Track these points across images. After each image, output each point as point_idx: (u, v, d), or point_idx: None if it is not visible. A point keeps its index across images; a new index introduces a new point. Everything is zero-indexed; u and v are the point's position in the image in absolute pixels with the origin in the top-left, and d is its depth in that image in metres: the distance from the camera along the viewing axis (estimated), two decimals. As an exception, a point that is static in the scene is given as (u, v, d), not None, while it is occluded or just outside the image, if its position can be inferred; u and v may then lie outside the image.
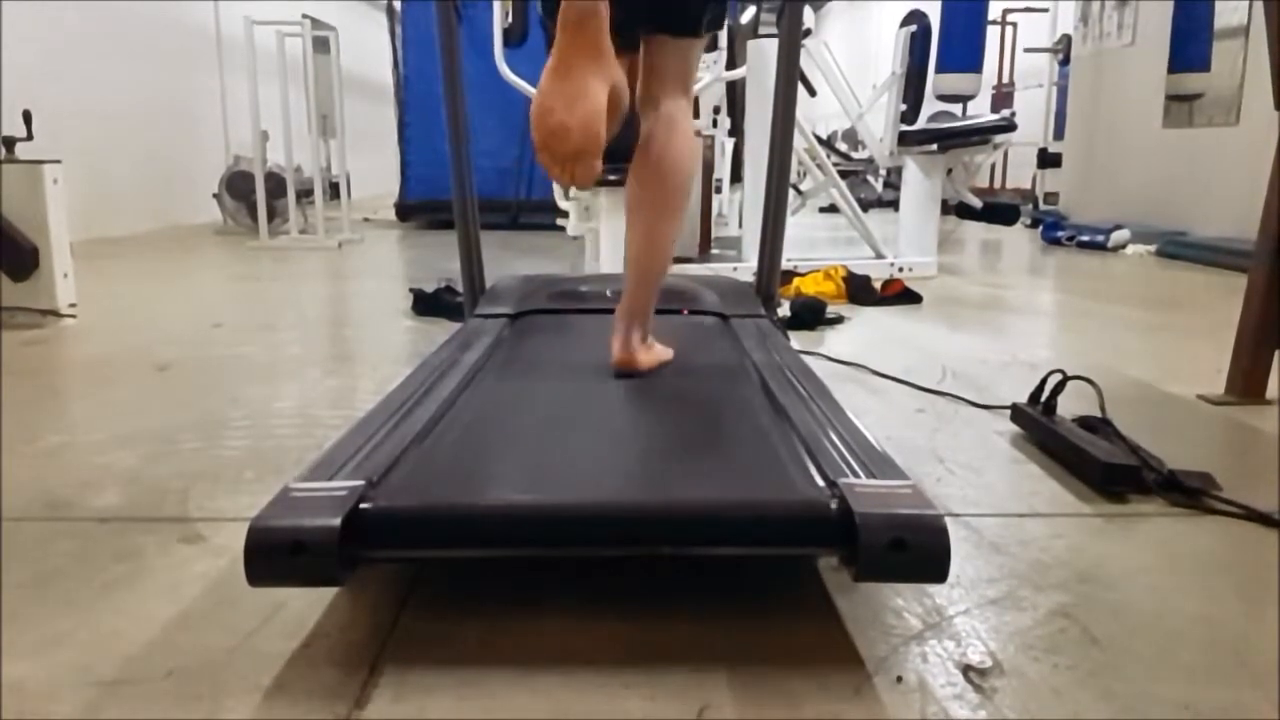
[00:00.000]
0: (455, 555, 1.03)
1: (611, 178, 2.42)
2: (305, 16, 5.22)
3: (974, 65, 6.74)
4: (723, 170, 5.11)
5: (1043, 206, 7.64)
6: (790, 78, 1.95)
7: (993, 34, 8.30)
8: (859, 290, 3.30)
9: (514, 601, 1.03)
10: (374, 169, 8.58)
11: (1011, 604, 1.04)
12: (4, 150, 2.73)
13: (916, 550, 0.86)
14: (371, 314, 3.28)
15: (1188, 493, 1.35)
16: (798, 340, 2.34)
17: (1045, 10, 8.45)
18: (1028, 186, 8.64)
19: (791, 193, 3.63)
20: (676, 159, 1.47)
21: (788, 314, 2.77)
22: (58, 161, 2.78)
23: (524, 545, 0.96)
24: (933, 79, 5.78)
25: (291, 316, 3.14)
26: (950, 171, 4.78)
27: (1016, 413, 1.72)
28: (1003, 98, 9.49)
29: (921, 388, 2.02)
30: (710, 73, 3.83)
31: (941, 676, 0.89)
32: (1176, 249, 4.90)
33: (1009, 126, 4.73)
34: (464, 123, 1.98)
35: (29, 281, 2.75)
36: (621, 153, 1.45)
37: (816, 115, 8.13)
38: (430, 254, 4.94)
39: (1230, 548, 1.22)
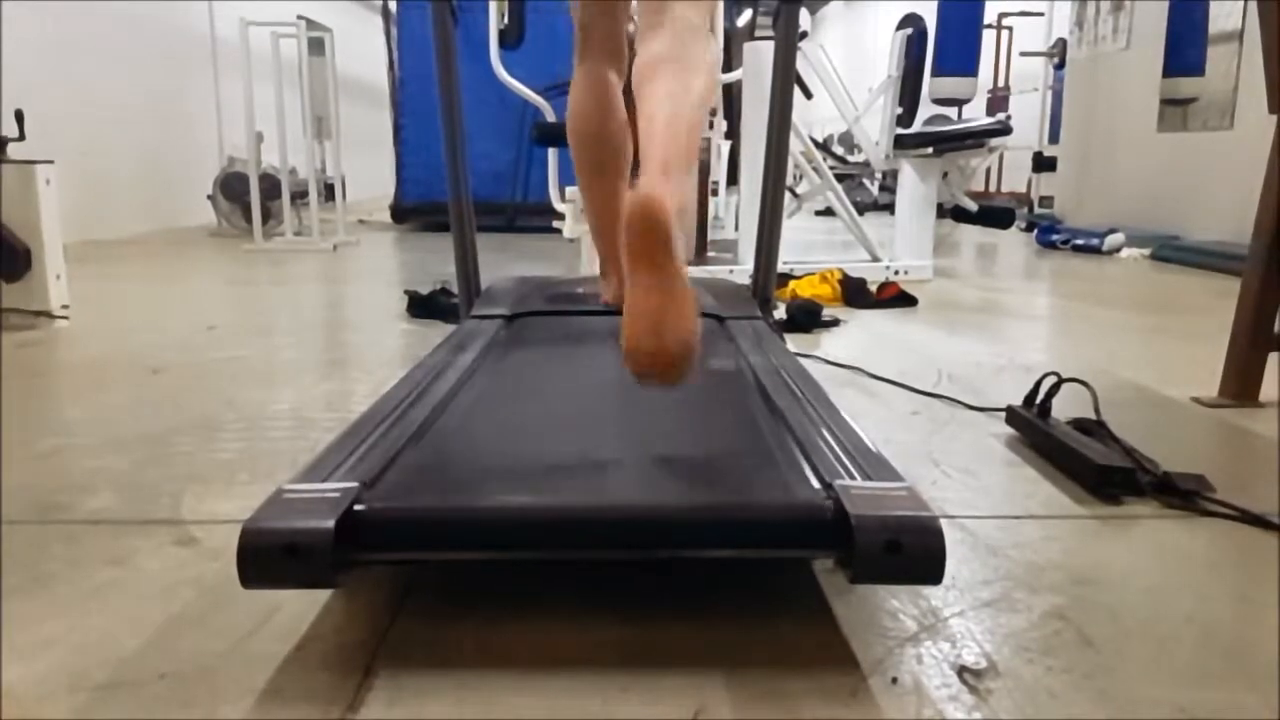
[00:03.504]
0: (450, 557, 1.03)
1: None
2: (300, 18, 5.21)
3: (970, 69, 6.76)
4: (719, 173, 5.11)
5: (1038, 210, 7.67)
6: (786, 80, 1.95)
7: (988, 38, 8.32)
8: (855, 293, 3.30)
9: (510, 604, 1.03)
10: (369, 171, 8.57)
11: (1006, 606, 1.04)
12: (-3, 151, 2.73)
13: (912, 552, 0.86)
14: (367, 316, 3.28)
15: (1182, 495, 1.35)
16: (793, 343, 2.34)
17: (1041, 14, 8.47)
18: (1023, 190, 8.66)
19: (787, 196, 3.63)
20: (699, 53, 1.29)
21: (784, 316, 2.78)
22: (50, 162, 2.77)
23: (519, 548, 0.95)
24: (929, 82, 5.79)
25: (286, 319, 3.14)
26: (946, 175, 4.80)
27: (1012, 415, 1.72)
28: (998, 101, 9.51)
29: (917, 390, 2.03)
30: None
31: (937, 678, 0.89)
32: (1171, 252, 4.92)
33: (1004, 130, 4.75)
34: (460, 125, 1.97)
35: (21, 282, 2.74)
36: None
37: (813, 118, 8.14)
38: (426, 256, 4.93)
39: (1224, 550, 1.22)
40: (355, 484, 0.94)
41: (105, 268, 4.32)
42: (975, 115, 7.55)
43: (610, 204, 1.69)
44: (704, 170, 4.13)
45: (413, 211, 6.52)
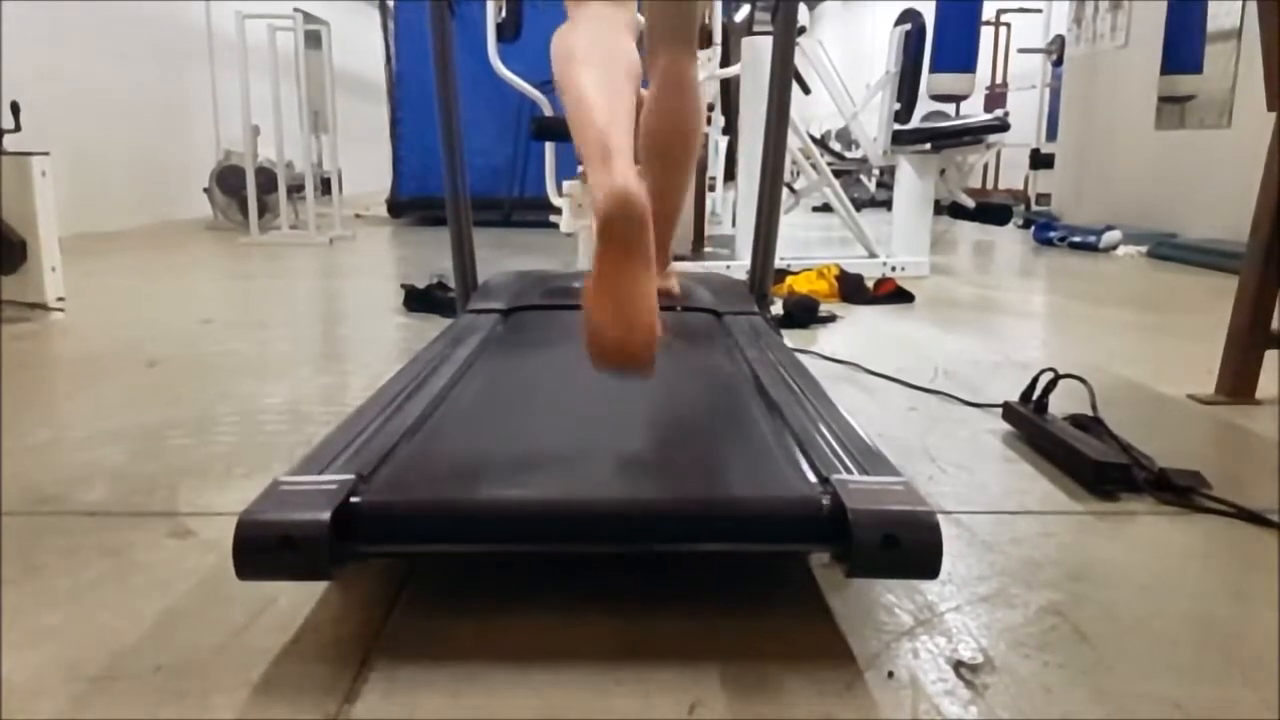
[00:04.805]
0: (446, 551, 1.03)
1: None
2: (297, 10, 5.19)
3: (968, 65, 6.76)
4: (716, 169, 5.11)
5: (1035, 207, 7.67)
6: (785, 76, 1.95)
7: (986, 34, 8.32)
8: (852, 289, 3.30)
9: (506, 597, 1.03)
10: (366, 165, 8.55)
11: (1003, 601, 1.04)
12: (-7, 142, 2.72)
13: (909, 547, 0.86)
14: (363, 310, 3.27)
15: (1178, 491, 1.35)
16: (790, 338, 2.34)
17: (1039, 11, 8.47)
18: (1020, 187, 8.67)
19: (785, 191, 3.63)
20: (684, 121, 1.51)
21: (780, 312, 2.78)
22: (45, 153, 2.76)
23: (515, 541, 0.95)
24: (927, 79, 5.79)
25: (282, 312, 3.13)
26: (943, 171, 4.80)
27: (1008, 411, 1.72)
28: (996, 98, 9.52)
29: (914, 386, 2.03)
30: (704, 70, 3.83)
31: (933, 673, 0.89)
32: (1168, 250, 4.92)
33: (1002, 126, 4.75)
34: (457, 119, 1.97)
35: (16, 275, 2.73)
36: None
37: (810, 114, 8.13)
38: (422, 250, 4.93)
39: (1221, 546, 1.22)
40: (351, 477, 0.94)
41: (101, 261, 4.30)
42: (973, 112, 7.56)
43: (616, 98, 1.15)
44: (701, 166, 4.12)
45: (409, 206, 6.51)
